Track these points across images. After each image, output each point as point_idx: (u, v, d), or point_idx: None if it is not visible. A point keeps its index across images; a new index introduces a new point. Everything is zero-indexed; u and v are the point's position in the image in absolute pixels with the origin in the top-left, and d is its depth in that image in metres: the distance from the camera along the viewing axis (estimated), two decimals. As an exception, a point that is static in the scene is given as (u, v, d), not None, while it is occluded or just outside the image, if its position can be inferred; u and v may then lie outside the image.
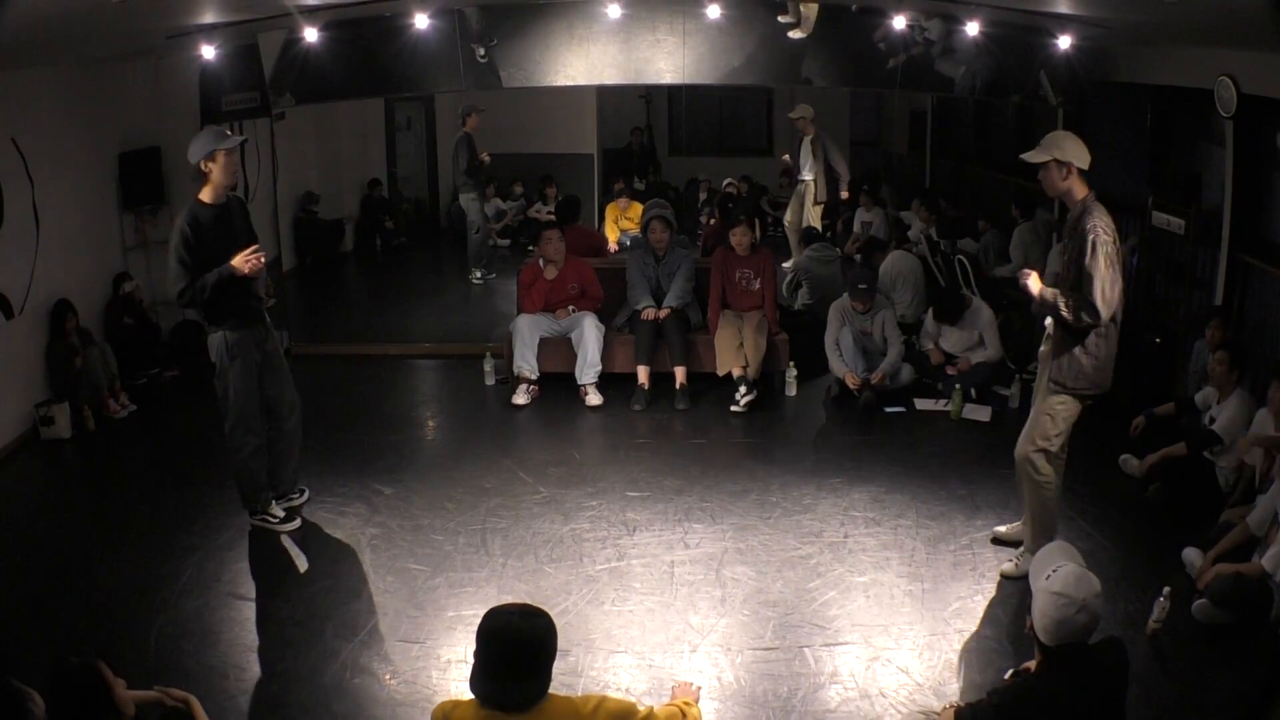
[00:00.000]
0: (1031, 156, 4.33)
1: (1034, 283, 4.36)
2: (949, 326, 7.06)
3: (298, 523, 5.18)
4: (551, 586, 4.54)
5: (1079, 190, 4.30)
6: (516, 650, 2.39)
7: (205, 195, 4.78)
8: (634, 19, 7.61)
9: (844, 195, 9.84)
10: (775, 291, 7.32)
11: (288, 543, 5.05)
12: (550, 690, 2.47)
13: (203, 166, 4.73)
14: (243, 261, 4.72)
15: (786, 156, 10.00)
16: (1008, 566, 4.71)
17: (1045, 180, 4.34)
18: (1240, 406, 5.23)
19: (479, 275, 10.40)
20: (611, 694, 3.80)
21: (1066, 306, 4.20)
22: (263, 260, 4.78)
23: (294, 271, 10.23)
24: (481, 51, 7.57)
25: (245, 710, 3.77)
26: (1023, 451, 4.53)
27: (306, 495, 5.48)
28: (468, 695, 2.49)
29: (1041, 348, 4.62)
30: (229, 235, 4.81)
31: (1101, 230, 4.15)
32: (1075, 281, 4.21)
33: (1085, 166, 4.28)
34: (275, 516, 5.14)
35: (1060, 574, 2.85)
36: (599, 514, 5.31)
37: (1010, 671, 3.59)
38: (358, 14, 7.22)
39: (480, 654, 2.41)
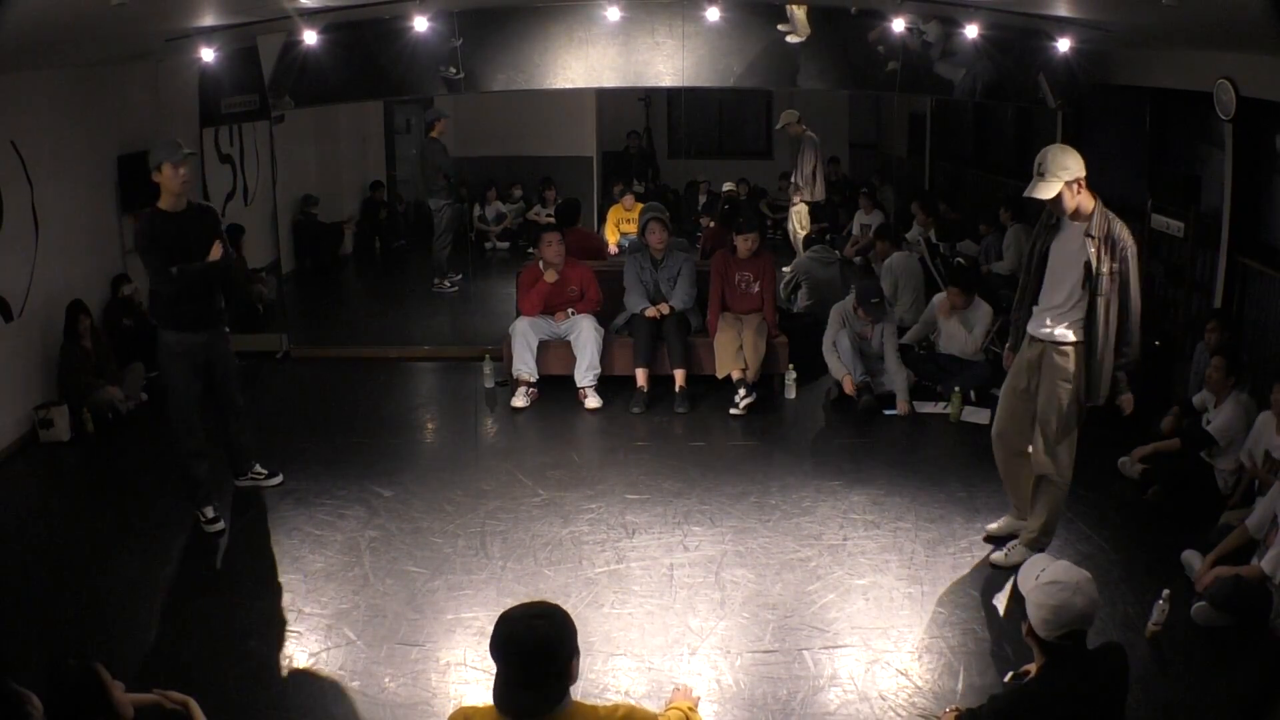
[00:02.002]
0: (1043, 193, 4.22)
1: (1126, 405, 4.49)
2: (960, 311, 7.04)
3: (221, 525, 5.24)
4: (551, 589, 4.55)
5: (1088, 201, 4.29)
6: (523, 658, 2.33)
7: (162, 203, 5.04)
8: (633, 22, 7.63)
9: (792, 189, 9.76)
10: (775, 294, 7.32)
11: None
12: (575, 698, 2.42)
13: (153, 177, 5.00)
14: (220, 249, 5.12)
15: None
16: (998, 556, 4.79)
17: (1058, 204, 4.27)
18: (1236, 409, 5.23)
19: (448, 283, 10.18)
20: (611, 697, 3.80)
21: (1129, 353, 4.38)
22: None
23: (293, 274, 10.23)
24: (453, 70, 7.60)
25: (244, 713, 3.76)
26: (1044, 459, 4.59)
27: (279, 479, 5.69)
28: (481, 700, 2.48)
29: (1026, 352, 4.65)
30: (182, 242, 5.03)
31: (1132, 243, 4.30)
32: (1092, 284, 4.29)
33: (1084, 174, 4.29)
34: (205, 517, 5.24)
35: (1050, 569, 2.88)
36: (598, 516, 5.31)
37: (1010, 674, 3.60)
38: (356, 17, 7.23)
39: (495, 662, 2.37)
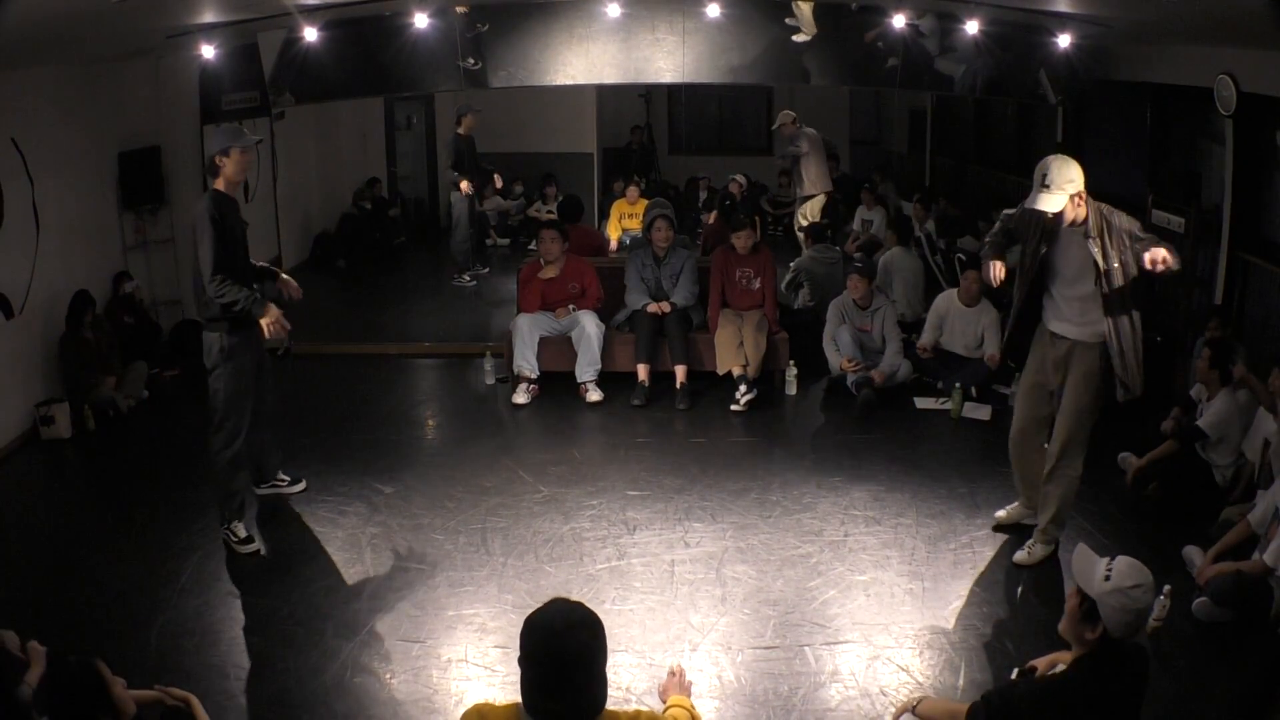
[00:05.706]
0: (1049, 205, 4.22)
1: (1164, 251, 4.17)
2: (963, 309, 7.02)
3: (256, 546, 4.99)
4: (552, 585, 4.55)
5: (1085, 207, 4.31)
6: (555, 668, 2.25)
7: (219, 186, 4.88)
8: (634, 18, 7.63)
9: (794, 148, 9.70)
10: (775, 290, 7.32)
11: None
12: (607, 707, 2.35)
13: (217, 160, 4.83)
14: (269, 323, 4.88)
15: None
16: (1020, 555, 4.77)
17: (1060, 217, 4.28)
18: (1228, 404, 5.23)
19: (468, 278, 10.25)
20: (612, 694, 3.79)
21: (1172, 254, 4.17)
22: (286, 329, 4.98)
23: (294, 270, 10.20)
24: (471, 60, 7.59)
25: (246, 709, 3.77)
26: (1059, 449, 4.60)
27: (302, 485, 5.58)
28: (490, 697, 2.46)
29: (1051, 351, 4.64)
30: (236, 233, 4.93)
31: (1128, 220, 4.31)
32: (1105, 281, 4.29)
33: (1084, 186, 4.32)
34: (236, 536, 4.98)
35: (1121, 570, 2.78)
36: (599, 513, 5.31)
37: (1015, 670, 3.58)
38: (357, 13, 7.23)
39: (522, 663, 2.28)
